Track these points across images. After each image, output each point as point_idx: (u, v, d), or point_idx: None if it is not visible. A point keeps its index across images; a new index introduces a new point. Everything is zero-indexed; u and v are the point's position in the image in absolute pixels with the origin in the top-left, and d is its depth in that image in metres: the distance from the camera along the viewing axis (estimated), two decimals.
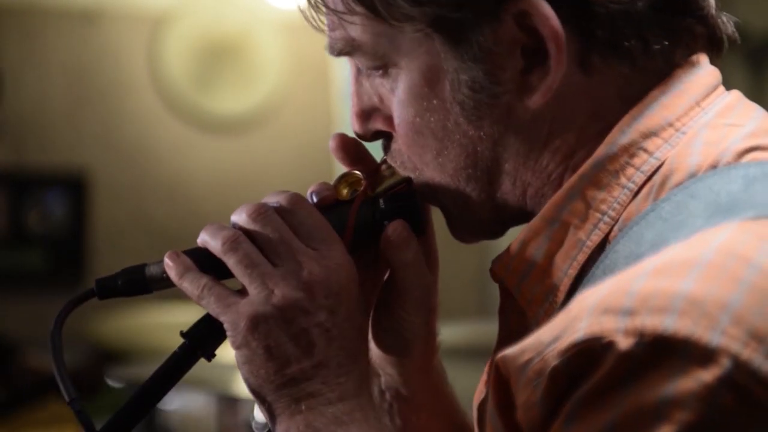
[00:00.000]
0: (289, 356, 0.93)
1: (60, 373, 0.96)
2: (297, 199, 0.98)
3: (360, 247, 0.98)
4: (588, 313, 0.69)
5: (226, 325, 0.95)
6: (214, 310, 0.95)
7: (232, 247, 0.96)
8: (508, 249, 0.93)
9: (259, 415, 2.29)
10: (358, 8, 0.91)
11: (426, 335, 1.04)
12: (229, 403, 2.41)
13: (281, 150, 5.13)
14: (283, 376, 0.93)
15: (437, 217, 1.02)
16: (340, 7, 0.92)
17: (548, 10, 0.85)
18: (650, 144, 0.87)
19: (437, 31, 0.89)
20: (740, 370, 0.66)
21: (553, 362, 0.70)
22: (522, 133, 0.90)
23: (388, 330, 1.03)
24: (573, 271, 0.88)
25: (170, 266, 0.98)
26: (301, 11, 0.98)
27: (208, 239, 0.98)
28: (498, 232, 0.98)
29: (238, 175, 5.05)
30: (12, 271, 4.68)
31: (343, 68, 5.15)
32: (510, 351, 0.74)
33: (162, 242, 4.99)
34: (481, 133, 0.90)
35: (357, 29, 0.92)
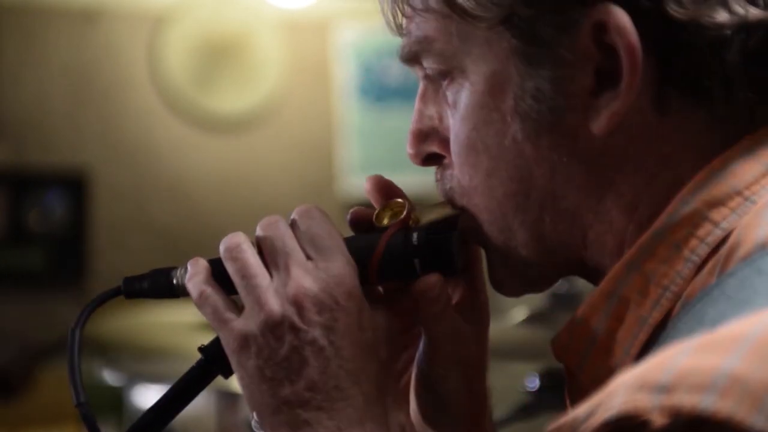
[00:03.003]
0: (282, 378, 0.88)
1: (73, 373, 0.94)
2: (311, 208, 0.93)
3: (385, 280, 0.93)
4: (624, 389, 0.64)
5: (222, 342, 0.91)
6: (211, 323, 0.91)
7: (232, 255, 0.92)
8: (564, 327, 0.87)
9: None
10: (434, 3, 0.87)
11: (468, 395, 0.96)
12: (228, 400, 2.40)
13: (282, 149, 5.13)
14: (277, 399, 0.88)
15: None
16: (418, 5, 0.88)
17: (628, 24, 0.79)
18: (716, 214, 0.80)
19: (509, 30, 0.83)
20: None
21: None
22: (585, 165, 0.84)
23: (426, 387, 0.97)
24: (635, 351, 0.82)
25: (189, 269, 0.94)
26: (382, 13, 0.92)
27: (220, 246, 0.93)
28: (545, 281, 0.92)
29: (238, 174, 5.05)
30: (12, 271, 4.68)
31: (343, 68, 5.15)
32: (551, 426, 0.69)
33: (162, 241, 5.00)
34: (539, 155, 0.84)
35: (431, 27, 0.88)
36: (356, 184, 5.00)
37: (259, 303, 0.89)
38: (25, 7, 4.75)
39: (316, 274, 0.89)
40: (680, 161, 0.82)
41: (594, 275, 0.88)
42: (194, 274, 0.93)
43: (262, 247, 0.91)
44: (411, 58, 0.91)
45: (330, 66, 5.19)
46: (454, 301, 0.96)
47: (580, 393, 0.86)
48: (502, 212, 0.87)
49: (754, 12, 0.79)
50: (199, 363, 0.96)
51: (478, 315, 0.97)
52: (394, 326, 0.94)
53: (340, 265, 0.89)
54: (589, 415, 0.65)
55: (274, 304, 0.88)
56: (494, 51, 0.85)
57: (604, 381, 0.79)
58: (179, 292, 0.96)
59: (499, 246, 0.89)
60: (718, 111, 0.81)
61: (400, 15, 0.91)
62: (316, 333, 0.88)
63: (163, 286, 0.97)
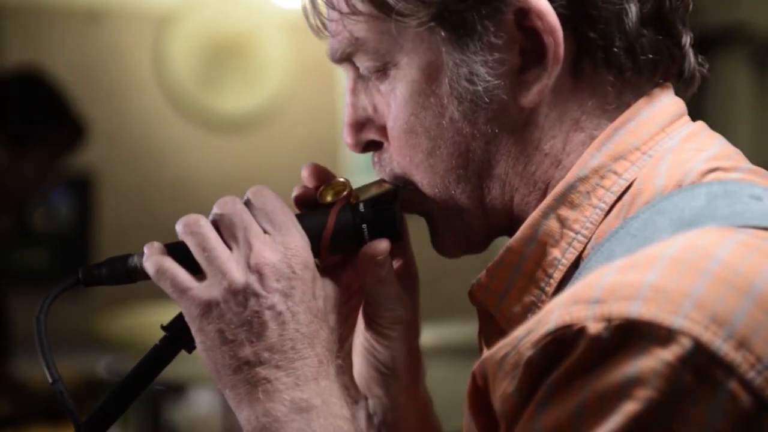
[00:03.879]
0: (242, 339, 0.94)
1: (44, 355, 0.98)
2: (262, 188, 1.00)
3: (338, 251, 1.00)
4: (559, 306, 0.73)
5: (182, 311, 0.96)
6: (171, 295, 0.96)
7: (191, 230, 0.98)
8: (486, 271, 0.95)
9: None
10: (363, 7, 0.93)
11: (407, 354, 1.05)
12: None
13: (286, 149, 5.14)
14: (238, 359, 0.94)
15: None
16: (344, 9, 0.94)
17: (547, 7, 0.88)
18: (619, 166, 0.91)
19: (440, 24, 0.91)
20: (700, 351, 0.70)
21: (528, 353, 0.73)
22: (515, 134, 0.93)
23: (369, 349, 1.05)
24: (550, 289, 0.91)
25: (144, 252, 1.00)
26: (305, 17, 0.99)
27: (177, 225, 1.00)
28: (483, 242, 1.00)
29: (243, 174, 5.05)
30: (17, 270, 4.69)
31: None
32: (487, 353, 0.77)
33: (167, 241, 4.98)
34: (475, 131, 0.93)
35: (362, 28, 0.94)
36: (360, 184, 5.00)
37: (222, 271, 0.95)
38: (30, 8, 4.76)
39: (274, 246, 0.95)
40: (591, 121, 0.93)
41: None
42: (153, 252, 0.99)
43: (219, 225, 0.98)
44: (344, 58, 0.98)
45: (334, 66, 5.18)
46: None
47: (495, 334, 0.95)
48: (445, 185, 0.95)
49: None
50: (163, 339, 1.00)
51: (410, 280, 1.06)
52: (339, 297, 1.01)
53: (295, 238, 0.96)
54: (528, 332, 0.74)
55: (237, 272, 0.94)
56: (426, 44, 0.92)
57: (519, 319, 0.91)
58: (137, 276, 1.00)
59: (442, 214, 0.98)
60: (625, 74, 0.92)
61: (321, 18, 0.98)
62: (276, 299, 0.94)
63: (120, 271, 1.01)
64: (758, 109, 4.09)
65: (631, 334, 0.70)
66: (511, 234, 0.96)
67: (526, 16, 0.89)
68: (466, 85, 0.92)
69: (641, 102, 0.94)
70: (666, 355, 0.69)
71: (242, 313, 0.94)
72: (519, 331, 0.75)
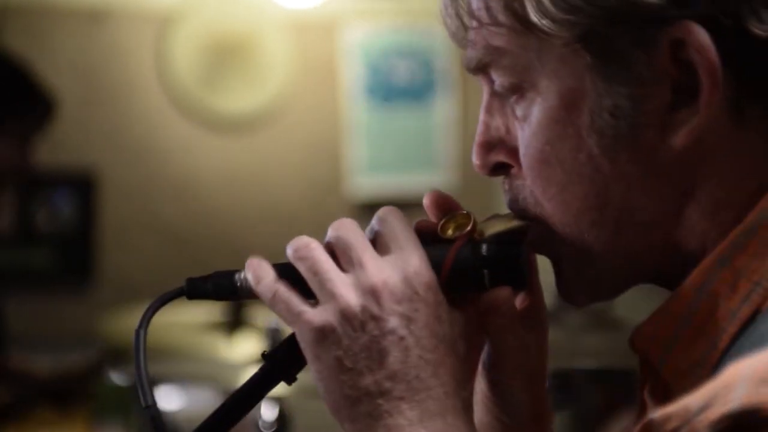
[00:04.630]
0: (362, 368, 0.87)
1: (139, 374, 0.93)
2: (390, 209, 0.93)
3: (455, 292, 0.92)
4: (744, 382, 0.65)
5: (297, 337, 0.90)
6: (285, 320, 0.91)
7: (302, 254, 0.91)
8: (650, 318, 0.87)
9: (266, 413, 2.29)
10: (505, 19, 0.86)
11: (530, 404, 0.97)
12: None
13: (289, 149, 5.13)
14: (358, 390, 0.87)
15: None
16: (485, 18, 0.87)
17: (707, 41, 0.79)
18: None
19: (586, 48, 0.83)
20: None
21: None
22: (663, 178, 0.84)
23: (489, 396, 0.97)
24: (722, 344, 0.82)
25: (249, 271, 0.94)
26: (444, 23, 0.91)
27: (287, 250, 0.93)
28: (615, 292, 0.92)
29: (246, 174, 5.05)
30: (20, 270, 4.69)
31: (350, 68, 5.14)
32: (655, 416, 0.69)
33: (170, 241, 5.00)
34: (616, 171, 0.84)
35: (501, 39, 0.86)
36: (364, 184, 5.00)
37: (334, 295, 0.88)
38: (32, 8, 4.76)
39: (394, 265, 0.89)
40: (759, 170, 0.83)
41: (671, 281, 0.87)
42: (264, 276, 0.93)
43: (333, 247, 0.91)
44: (480, 68, 0.89)
45: (337, 66, 5.18)
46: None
47: (660, 388, 0.87)
48: (578, 226, 0.87)
49: None
50: (262, 369, 0.95)
51: (537, 324, 0.98)
52: (469, 328, 0.93)
53: (417, 258, 0.89)
54: (705, 407, 0.65)
55: (350, 294, 0.88)
56: (570, 67, 0.84)
57: (688, 374, 0.82)
58: (242, 294, 0.96)
59: (573, 258, 0.89)
60: None
61: (463, 26, 0.89)
62: (396, 323, 0.87)
63: (226, 288, 0.96)
64: None
65: None
66: (659, 281, 0.89)
67: (683, 47, 0.80)
68: (609, 118, 0.83)
69: None
70: None
71: (360, 339, 0.87)
72: (692, 401, 0.67)
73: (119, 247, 4.75)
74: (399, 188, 4.94)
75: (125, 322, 3.96)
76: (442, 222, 0.94)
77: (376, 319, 0.87)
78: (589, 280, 0.91)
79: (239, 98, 5.08)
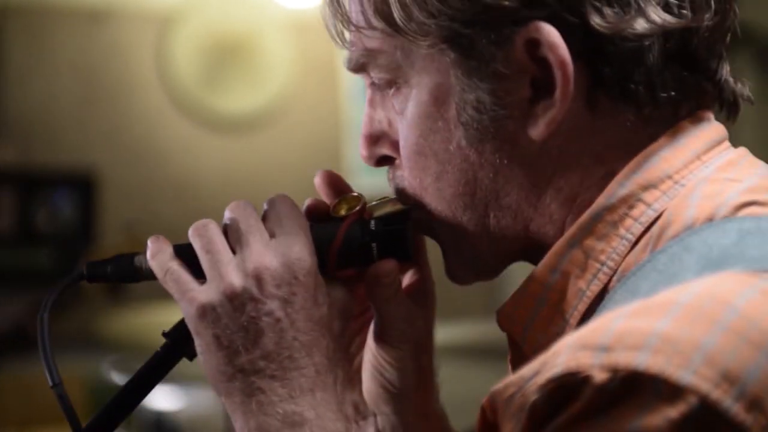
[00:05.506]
0: (238, 346, 0.92)
1: (46, 357, 0.97)
2: (281, 195, 0.99)
3: (346, 267, 0.98)
4: (566, 349, 0.71)
5: (182, 312, 0.95)
6: (174, 296, 0.95)
7: (198, 232, 0.97)
8: (510, 299, 0.93)
9: None
10: (377, 23, 0.92)
11: (418, 373, 1.03)
12: None
13: (289, 149, 5.14)
14: (233, 366, 0.93)
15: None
16: (361, 22, 0.93)
17: (558, 40, 0.85)
18: (649, 196, 0.88)
19: (450, 47, 0.89)
20: (708, 410, 0.66)
21: (533, 397, 0.71)
22: (525, 166, 0.90)
23: (377, 366, 1.03)
24: (574, 321, 0.89)
25: (149, 247, 0.99)
26: (326, 27, 0.97)
27: (189, 230, 0.99)
28: (494, 269, 0.98)
29: (246, 174, 5.06)
30: (20, 270, 4.69)
31: None
32: (496, 387, 0.75)
33: (171, 241, 4.99)
34: (482, 159, 0.91)
35: (375, 42, 0.93)
36: (363, 184, 5.00)
37: (220, 274, 0.93)
38: (33, 8, 4.76)
39: (277, 250, 0.94)
40: (612, 156, 0.89)
41: (537, 261, 0.94)
42: (158, 252, 0.99)
43: (227, 228, 0.97)
44: (358, 68, 0.96)
45: (337, 66, 5.18)
46: (404, 286, 1.03)
47: (522, 361, 0.91)
48: (452, 210, 0.94)
49: (670, 20, 0.86)
50: (164, 346, 0.99)
51: (425, 298, 1.04)
52: (349, 305, 0.99)
53: (300, 243, 0.94)
54: (535, 373, 0.72)
55: (235, 276, 0.93)
56: (436, 65, 0.90)
57: (545, 349, 0.85)
58: (142, 276, 1.00)
59: (450, 240, 0.96)
60: (644, 109, 0.88)
61: (341, 29, 0.96)
62: (274, 305, 0.92)
63: (126, 270, 1.00)
64: (762, 109, 4.09)
65: (637, 387, 0.67)
66: (528, 259, 0.95)
67: (537, 46, 0.86)
68: (473, 112, 0.89)
69: (676, 129, 0.90)
70: (671, 412, 0.66)
71: (238, 319, 0.92)
72: (526, 371, 0.73)
73: (120, 247, 4.76)
74: None
75: (124, 322, 3.97)
76: (335, 203, 1.01)
77: (255, 300, 0.92)
78: (467, 259, 0.97)
79: (239, 98, 5.09)
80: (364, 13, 0.93)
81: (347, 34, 0.96)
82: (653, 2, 0.86)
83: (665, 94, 0.88)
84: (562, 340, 0.73)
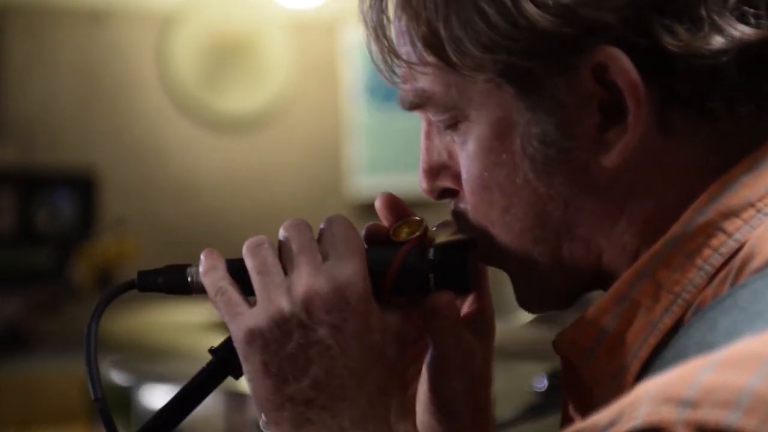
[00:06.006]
0: (287, 374, 0.89)
1: (90, 368, 0.94)
2: (339, 216, 0.94)
3: (402, 294, 0.94)
4: (648, 400, 0.66)
5: (232, 335, 0.92)
6: (223, 317, 0.92)
7: (252, 252, 0.92)
8: (574, 324, 0.88)
9: None
10: (430, 58, 0.87)
11: (474, 406, 0.98)
12: (237, 400, 2.41)
13: (290, 149, 5.14)
14: (282, 395, 0.89)
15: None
16: (413, 58, 0.88)
17: (627, 63, 0.80)
18: (729, 225, 0.81)
19: (508, 81, 0.84)
20: None
21: None
22: (597, 195, 0.86)
23: (431, 398, 0.99)
24: (643, 354, 0.83)
25: (201, 262, 0.95)
26: (374, 64, 0.92)
27: (244, 247, 0.94)
28: (567, 301, 0.93)
29: (246, 174, 5.06)
30: (20, 270, 4.69)
31: (351, 68, 5.15)
32: (570, 430, 0.70)
33: (171, 241, 5.00)
34: (552, 192, 0.86)
35: (428, 80, 0.88)
36: (364, 184, 5.00)
37: (270, 299, 0.89)
38: (34, 8, 4.76)
39: (329, 274, 0.89)
40: (688, 180, 0.84)
41: None
42: (211, 269, 0.94)
43: (281, 248, 0.92)
44: (413, 108, 0.92)
45: (338, 66, 5.19)
46: (462, 314, 0.99)
47: (580, 390, 0.89)
48: (521, 244, 0.89)
49: (748, 32, 0.80)
50: (209, 364, 0.96)
51: (484, 328, 0.99)
52: (405, 331, 0.94)
53: (353, 267, 0.90)
54: (611, 423, 0.66)
55: (284, 300, 0.89)
56: (495, 99, 0.86)
57: (607, 380, 0.84)
58: (193, 289, 0.96)
59: (520, 272, 0.91)
60: (721, 127, 0.83)
61: (390, 65, 0.91)
62: (324, 332, 0.88)
63: (177, 282, 0.97)
64: None
65: None
66: (605, 288, 0.89)
67: (604, 70, 0.81)
68: (539, 145, 0.84)
69: (754, 154, 0.83)
70: None
71: (287, 345, 0.89)
72: (601, 417, 0.68)
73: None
74: (399, 188, 4.94)
75: (126, 321, 3.97)
76: (395, 226, 0.97)
77: (304, 326, 0.89)
78: (538, 291, 0.93)
79: (239, 98, 5.08)
80: (414, 47, 0.88)
81: (399, 70, 0.91)
82: (728, 14, 0.80)
83: (744, 108, 0.82)
84: (642, 386, 0.68)
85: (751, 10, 0.80)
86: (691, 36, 0.80)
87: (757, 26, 0.81)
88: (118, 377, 2.80)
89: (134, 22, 4.93)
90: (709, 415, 0.63)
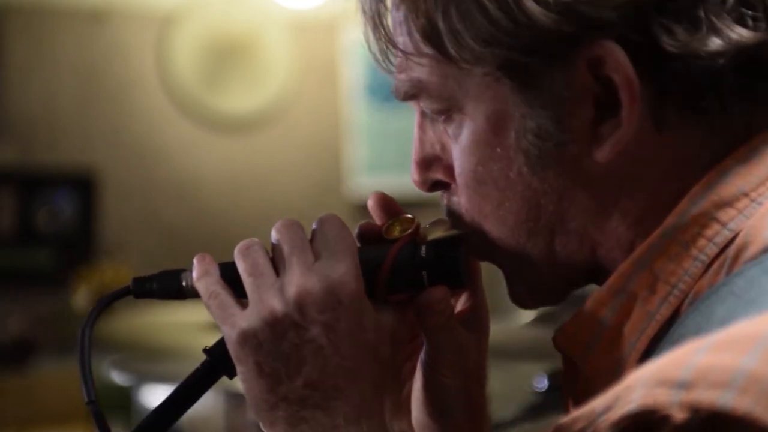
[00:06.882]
0: (280, 374, 0.89)
1: (84, 371, 0.95)
2: (331, 215, 0.94)
3: (396, 292, 0.95)
4: (642, 384, 0.66)
5: (224, 337, 0.92)
6: (216, 320, 0.92)
7: (243, 254, 0.92)
8: (571, 319, 0.89)
9: None
10: (427, 49, 0.87)
11: (469, 404, 0.99)
12: (236, 401, 2.41)
13: (290, 149, 5.14)
14: (276, 395, 0.90)
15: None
16: (409, 48, 0.88)
17: (623, 58, 0.81)
18: (724, 214, 0.82)
19: (506, 75, 0.84)
20: None
21: None
22: (590, 189, 0.86)
23: (426, 395, 0.99)
24: (641, 345, 0.84)
25: (194, 267, 0.95)
26: (371, 53, 0.92)
27: (235, 249, 0.94)
28: (561, 295, 0.94)
29: (246, 174, 5.06)
30: (20, 270, 4.69)
31: (351, 68, 5.15)
32: (563, 420, 0.71)
33: (171, 241, 5.00)
34: (546, 185, 0.86)
35: (424, 71, 0.88)
36: (364, 184, 5.00)
37: (261, 300, 0.90)
38: (34, 8, 4.77)
39: (321, 274, 0.89)
40: (681, 174, 0.84)
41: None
42: (204, 274, 0.94)
43: (273, 249, 0.92)
44: (407, 98, 0.92)
45: (338, 66, 5.19)
46: (456, 311, 0.99)
47: (582, 383, 0.89)
48: (515, 238, 0.89)
49: (745, 34, 0.81)
50: (203, 363, 0.97)
51: (478, 325, 0.99)
52: (399, 329, 0.95)
53: (345, 266, 0.90)
54: (607, 408, 0.67)
55: (276, 301, 0.89)
56: (492, 92, 0.86)
57: (608, 373, 0.84)
58: (188, 294, 0.97)
59: (513, 266, 0.92)
60: (715, 124, 0.84)
61: (386, 54, 0.91)
62: (317, 331, 0.89)
63: (172, 288, 0.98)
64: None
65: (720, 429, 0.63)
66: (598, 282, 0.90)
67: (600, 65, 0.81)
68: (534, 139, 0.85)
69: (746, 146, 0.84)
70: None
71: (280, 346, 0.89)
72: (597, 404, 0.68)
73: (120, 247, 4.76)
74: (399, 188, 4.95)
75: (126, 322, 3.97)
76: (387, 224, 0.97)
77: (297, 326, 0.89)
78: (531, 285, 0.93)
79: (240, 98, 5.09)
80: (411, 37, 0.88)
81: (394, 60, 0.91)
82: (726, 16, 0.81)
83: (737, 108, 0.83)
84: (637, 371, 0.68)
85: (750, 13, 0.81)
86: (689, 36, 0.80)
87: (754, 29, 0.81)
88: (117, 377, 2.80)
89: (134, 22, 4.93)
90: (703, 395, 0.63)
